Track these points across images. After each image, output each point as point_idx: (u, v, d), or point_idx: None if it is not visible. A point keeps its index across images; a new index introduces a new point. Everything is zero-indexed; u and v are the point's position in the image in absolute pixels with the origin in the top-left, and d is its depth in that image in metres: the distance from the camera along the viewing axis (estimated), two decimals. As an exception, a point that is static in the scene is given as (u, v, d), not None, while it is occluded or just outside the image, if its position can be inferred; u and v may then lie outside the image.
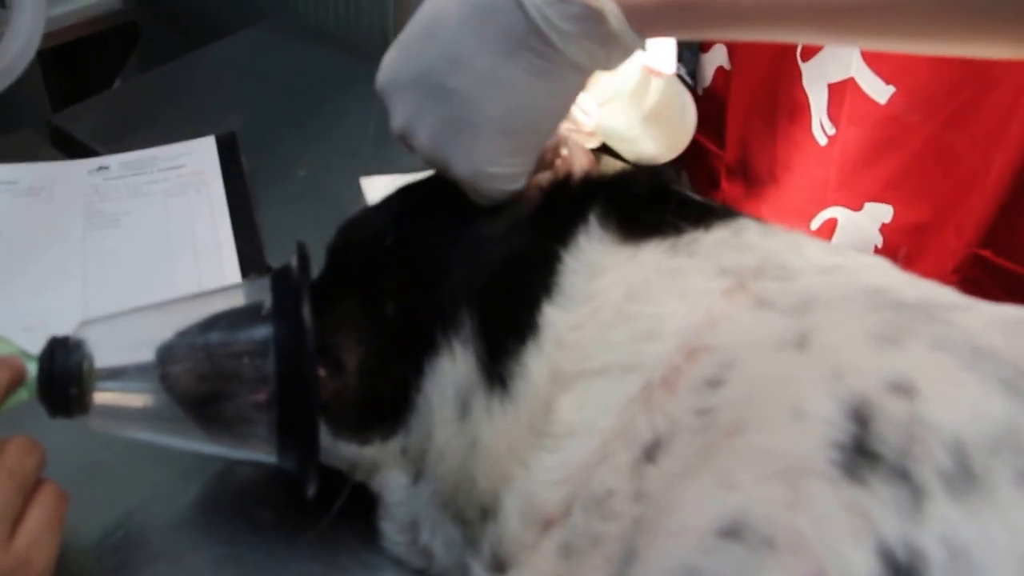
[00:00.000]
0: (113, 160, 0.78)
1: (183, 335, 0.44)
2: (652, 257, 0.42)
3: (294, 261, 0.46)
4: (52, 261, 0.68)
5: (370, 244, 0.47)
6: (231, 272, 0.68)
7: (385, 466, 0.45)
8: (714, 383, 0.36)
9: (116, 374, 0.44)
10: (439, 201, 0.47)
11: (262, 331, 0.43)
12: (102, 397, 0.44)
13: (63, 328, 0.62)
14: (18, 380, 0.43)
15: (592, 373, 0.39)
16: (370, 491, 0.47)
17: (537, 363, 0.40)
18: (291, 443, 0.43)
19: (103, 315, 0.46)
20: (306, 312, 0.43)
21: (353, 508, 0.46)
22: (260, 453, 0.44)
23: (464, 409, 0.41)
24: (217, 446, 0.46)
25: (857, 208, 0.75)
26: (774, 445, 0.32)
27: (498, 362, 0.41)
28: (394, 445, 0.44)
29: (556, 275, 0.42)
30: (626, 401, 0.38)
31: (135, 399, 0.44)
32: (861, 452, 0.30)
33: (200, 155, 0.79)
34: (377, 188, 0.77)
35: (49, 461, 0.43)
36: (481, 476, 0.41)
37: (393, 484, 0.45)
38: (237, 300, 0.46)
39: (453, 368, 0.42)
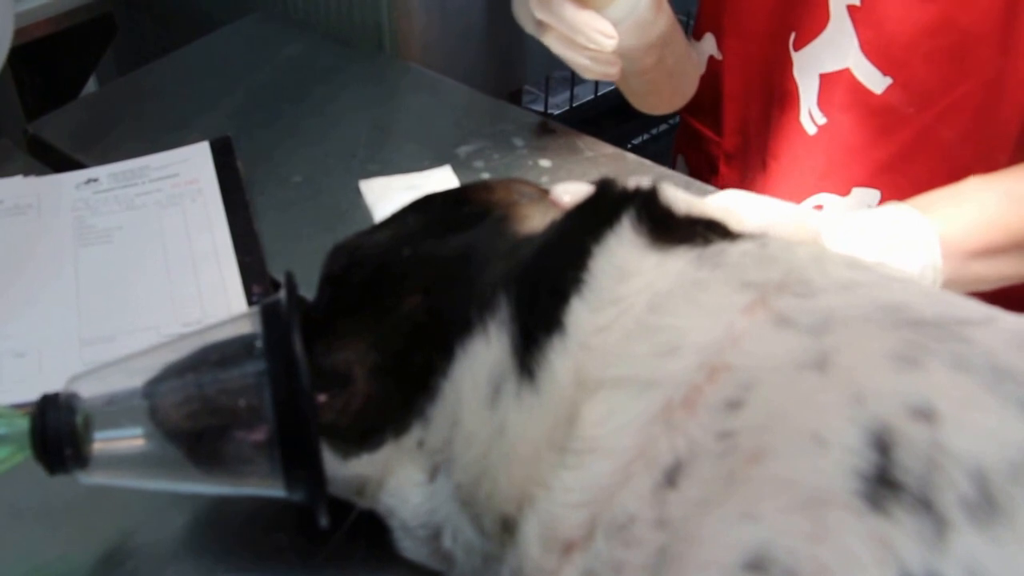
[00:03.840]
0: (102, 172, 0.79)
1: (171, 373, 0.46)
2: (678, 267, 0.43)
3: (283, 293, 0.47)
4: (43, 283, 0.69)
5: (380, 258, 0.48)
6: (232, 286, 0.69)
7: (398, 467, 0.46)
8: (734, 405, 0.37)
9: (111, 425, 0.45)
10: (460, 211, 0.49)
11: (254, 368, 0.44)
12: (100, 451, 0.45)
13: (57, 353, 0.64)
14: None
15: (613, 384, 0.41)
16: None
17: (561, 361, 0.42)
18: (298, 479, 0.45)
19: (94, 367, 0.48)
20: (298, 347, 0.44)
21: (366, 525, 0.47)
22: (269, 490, 0.46)
23: (495, 394, 0.43)
24: (221, 486, 0.47)
25: (844, 193, 0.78)
26: (796, 474, 0.34)
27: (528, 352, 0.42)
28: (409, 441, 0.45)
29: (587, 271, 0.43)
30: (647, 420, 0.39)
31: (133, 449, 0.46)
32: (884, 482, 0.32)
33: (194, 162, 0.80)
34: (376, 191, 0.78)
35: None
36: (503, 476, 0.42)
37: (408, 485, 0.46)
38: (230, 333, 0.48)
39: (487, 350, 0.43)
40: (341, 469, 0.46)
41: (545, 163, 0.80)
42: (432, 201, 0.52)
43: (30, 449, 0.44)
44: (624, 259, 0.44)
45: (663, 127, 1.50)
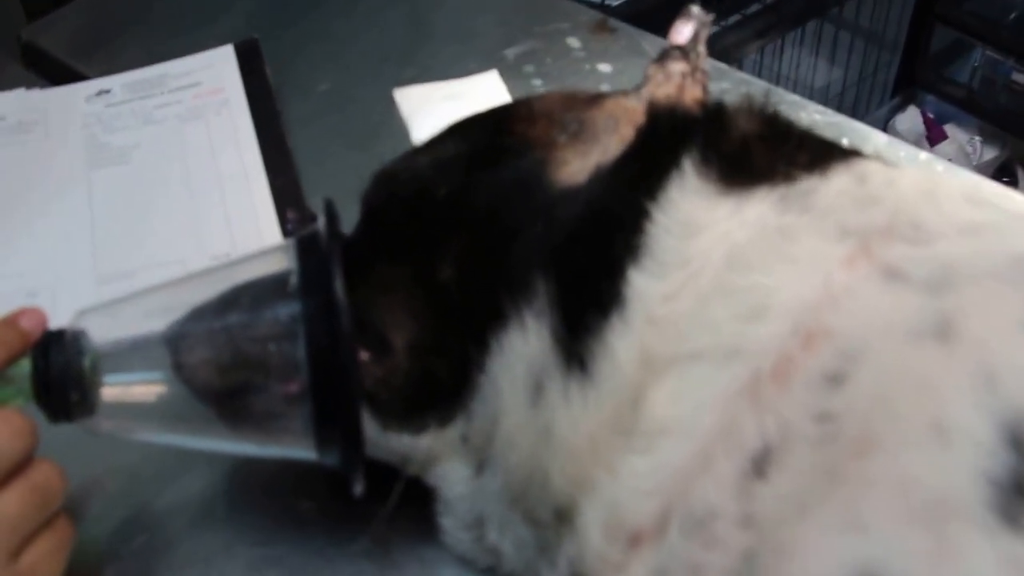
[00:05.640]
0: (115, 81, 0.74)
1: (197, 317, 0.42)
2: (758, 212, 0.39)
3: (322, 223, 0.43)
4: (54, 212, 0.66)
5: (417, 197, 0.44)
6: (264, 211, 0.65)
7: (443, 457, 0.43)
8: (836, 379, 0.33)
9: (124, 369, 0.43)
10: (500, 143, 0.44)
11: (288, 310, 0.41)
12: (109, 397, 0.42)
13: (72, 292, 0.62)
14: (24, 346, 0.42)
15: (688, 358, 0.37)
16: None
17: (623, 342, 0.38)
18: (331, 438, 0.42)
19: (105, 301, 0.45)
20: (339, 287, 0.40)
21: (407, 495, 0.44)
22: (298, 450, 0.43)
23: (537, 392, 0.39)
24: (247, 445, 0.44)
25: None
26: (913, 474, 0.29)
27: (577, 340, 0.38)
28: (452, 432, 0.42)
29: (644, 235, 0.39)
30: (730, 395, 0.35)
31: (148, 397, 0.43)
32: (1022, 491, 0.28)
33: (218, 69, 0.75)
34: (413, 100, 0.73)
35: (59, 457, 0.42)
36: (556, 472, 0.39)
37: (453, 477, 0.43)
38: (262, 269, 0.44)
39: (524, 344, 0.39)
40: (380, 438, 0.43)
41: (605, 68, 0.74)
42: (473, 125, 0.47)
43: (31, 392, 0.41)
44: (691, 212, 0.39)
45: (735, 17, 1.41)
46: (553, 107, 0.45)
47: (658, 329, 0.38)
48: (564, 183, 0.41)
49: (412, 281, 0.42)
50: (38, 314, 0.43)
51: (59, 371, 0.41)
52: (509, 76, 0.74)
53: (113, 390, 0.42)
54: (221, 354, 0.42)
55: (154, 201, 0.67)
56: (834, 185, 0.39)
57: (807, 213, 0.38)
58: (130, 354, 0.43)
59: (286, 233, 0.64)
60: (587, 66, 0.75)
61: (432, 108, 0.72)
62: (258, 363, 0.41)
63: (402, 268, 0.43)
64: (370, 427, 0.42)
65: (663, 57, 0.47)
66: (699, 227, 0.39)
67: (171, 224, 0.65)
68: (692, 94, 0.46)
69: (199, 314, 0.43)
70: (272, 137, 0.70)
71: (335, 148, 0.70)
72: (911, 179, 0.39)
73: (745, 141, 0.41)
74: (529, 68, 0.75)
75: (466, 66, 0.75)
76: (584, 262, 0.40)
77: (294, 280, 0.42)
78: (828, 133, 0.65)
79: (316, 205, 0.65)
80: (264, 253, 0.46)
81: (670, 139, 0.41)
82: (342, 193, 0.46)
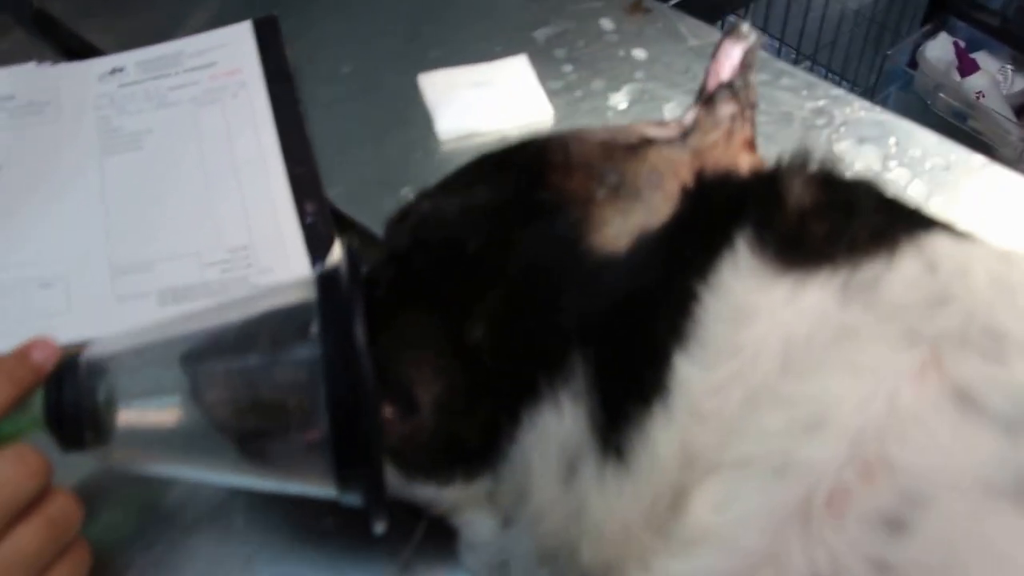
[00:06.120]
0: (128, 59, 0.72)
1: (215, 352, 0.42)
2: (818, 302, 0.35)
3: (343, 263, 0.42)
4: (66, 199, 0.64)
5: (445, 248, 0.42)
6: (282, 202, 0.63)
7: (468, 508, 0.42)
8: (895, 526, 0.31)
9: (139, 402, 0.42)
10: (533, 196, 0.41)
11: (308, 357, 0.40)
12: (123, 430, 0.42)
13: (87, 283, 0.60)
14: (36, 381, 0.42)
15: (734, 465, 0.34)
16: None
17: (664, 435, 0.35)
18: (352, 483, 0.41)
19: (122, 331, 0.44)
20: (360, 337, 0.39)
21: (432, 520, 0.44)
22: (318, 491, 0.42)
23: (570, 473, 0.37)
24: (264, 482, 0.44)
25: None
26: None
27: (615, 427, 0.36)
28: (479, 487, 0.41)
29: (692, 319, 0.36)
30: (779, 516, 0.32)
31: (162, 432, 0.42)
32: None
33: (235, 48, 0.72)
34: (438, 87, 0.70)
35: (70, 466, 0.42)
36: (586, 550, 0.38)
37: (479, 526, 0.42)
38: (286, 301, 0.43)
39: (559, 424, 0.37)
40: (404, 486, 0.42)
41: (639, 54, 0.71)
42: (504, 168, 0.44)
43: (43, 422, 0.42)
44: (743, 296, 0.36)
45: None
46: (591, 155, 0.42)
47: (703, 426, 0.35)
48: (604, 249, 0.39)
49: (439, 336, 0.41)
50: (49, 346, 0.43)
51: (72, 405, 0.41)
52: (539, 60, 0.71)
53: (127, 424, 0.42)
54: (239, 396, 0.41)
55: (169, 190, 0.65)
56: (901, 274, 0.35)
57: (872, 310, 0.35)
58: (145, 386, 0.42)
59: (304, 226, 0.63)
60: (621, 52, 0.71)
61: (458, 94, 0.69)
62: (277, 408, 0.41)
63: (429, 320, 0.41)
64: (393, 476, 0.41)
65: (711, 100, 0.44)
66: (752, 312, 0.36)
67: (187, 214, 0.63)
68: (741, 136, 0.44)
69: (218, 349, 0.42)
70: (291, 123, 0.68)
71: (356, 136, 0.67)
72: (985, 265, 0.36)
73: (802, 216, 0.38)
74: (560, 52, 0.72)
75: (494, 48, 0.72)
76: (626, 343, 0.37)
77: (314, 328, 0.41)
78: (874, 132, 0.65)
79: (335, 196, 0.64)
80: (284, 290, 0.44)
81: (721, 213, 0.39)
82: (361, 183, 0.44)
